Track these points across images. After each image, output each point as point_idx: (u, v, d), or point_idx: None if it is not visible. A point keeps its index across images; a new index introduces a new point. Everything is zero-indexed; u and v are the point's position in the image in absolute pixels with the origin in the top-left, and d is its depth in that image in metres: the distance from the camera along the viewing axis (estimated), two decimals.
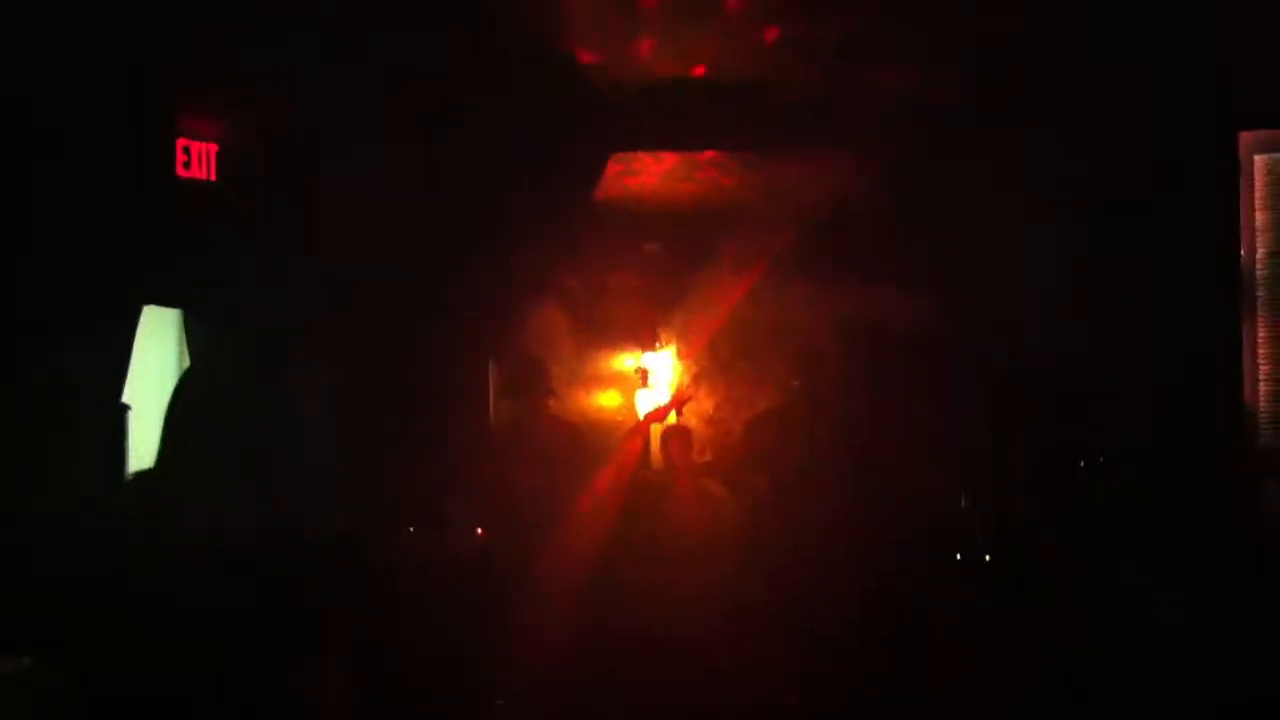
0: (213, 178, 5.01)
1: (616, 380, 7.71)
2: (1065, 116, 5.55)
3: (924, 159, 5.97)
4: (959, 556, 5.54)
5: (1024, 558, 5.44)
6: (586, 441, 5.90)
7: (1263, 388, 5.88)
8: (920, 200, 6.27)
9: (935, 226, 6.24)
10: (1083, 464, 5.69)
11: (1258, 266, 5.93)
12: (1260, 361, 5.90)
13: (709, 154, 6.35)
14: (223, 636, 2.66)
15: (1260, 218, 5.94)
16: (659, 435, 6.66)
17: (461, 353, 6.29)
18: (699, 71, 5.81)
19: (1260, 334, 5.91)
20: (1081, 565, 5.23)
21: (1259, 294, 5.92)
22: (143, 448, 4.60)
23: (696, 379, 7.68)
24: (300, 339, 5.32)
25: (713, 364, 7.89)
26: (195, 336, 5.27)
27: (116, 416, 4.57)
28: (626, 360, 7.71)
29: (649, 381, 7.59)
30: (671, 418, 7.03)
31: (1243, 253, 5.92)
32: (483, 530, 5.56)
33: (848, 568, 5.24)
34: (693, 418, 7.54)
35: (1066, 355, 5.88)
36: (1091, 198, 5.77)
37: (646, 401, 7.45)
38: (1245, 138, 5.93)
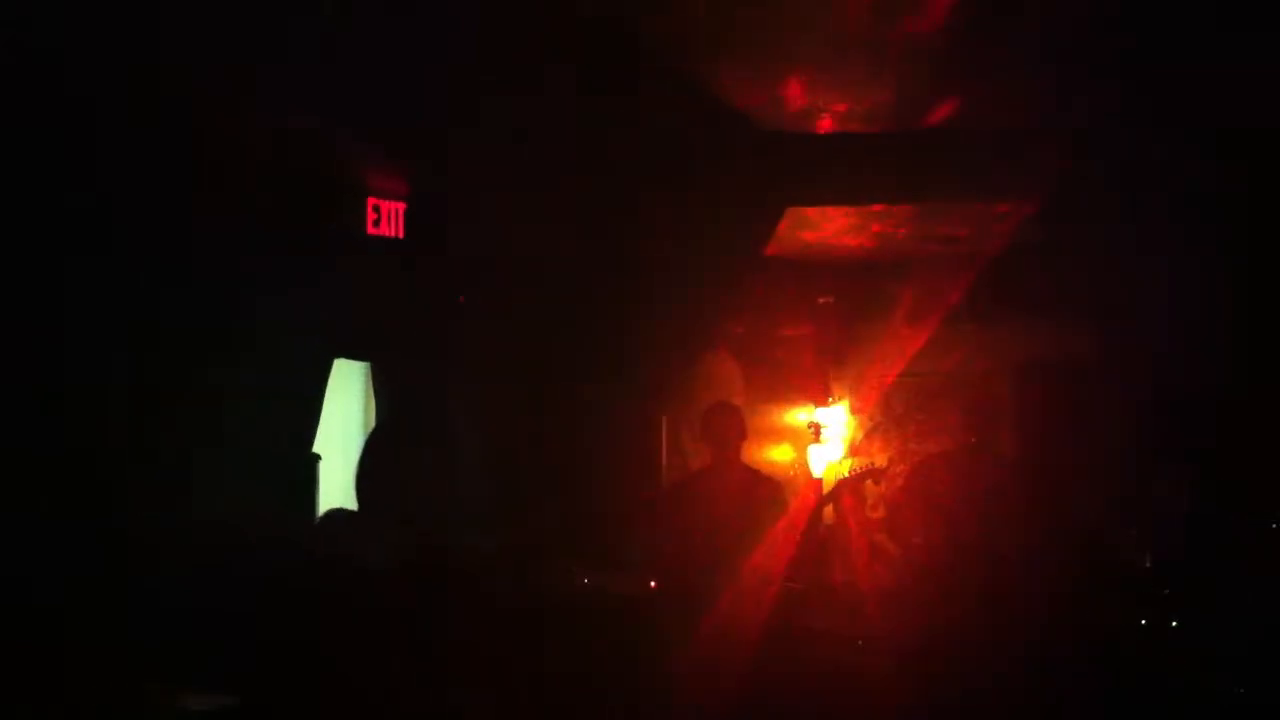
0: (400, 235, 5.18)
1: (789, 434, 7.68)
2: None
3: (1082, 192, 5.83)
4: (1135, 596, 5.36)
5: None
6: (777, 497, 5.82)
7: None
8: (1080, 235, 6.14)
9: (1093, 261, 6.11)
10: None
11: None
12: None
13: (883, 207, 6.31)
14: (384, 666, 2.74)
15: None
16: (831, 490, 6.61)
17: (636, 403, 6.35)
18: (872, 127, 5.79)
19: None
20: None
21: None
22: (331, 496, 4.77)
23: (870, 434, 7.60)
24: (481, 390, 5.45)
25: (886, 418, 7.80)
26: (381, 388, 5.47)
27: (309, 465, 4.77)
28: (799, 414, 7.68)
29: (821, 436, 7.54)
30: (845, 466, 6.95)
31: None
32: (655, 581, 5.57)
33: (1025, 618, 5.09)
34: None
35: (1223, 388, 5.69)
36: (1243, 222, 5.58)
37: (819, 456, 7.39)
38: None
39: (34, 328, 3.95)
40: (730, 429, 5.71)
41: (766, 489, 5.80)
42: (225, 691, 3.32)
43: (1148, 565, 5.35)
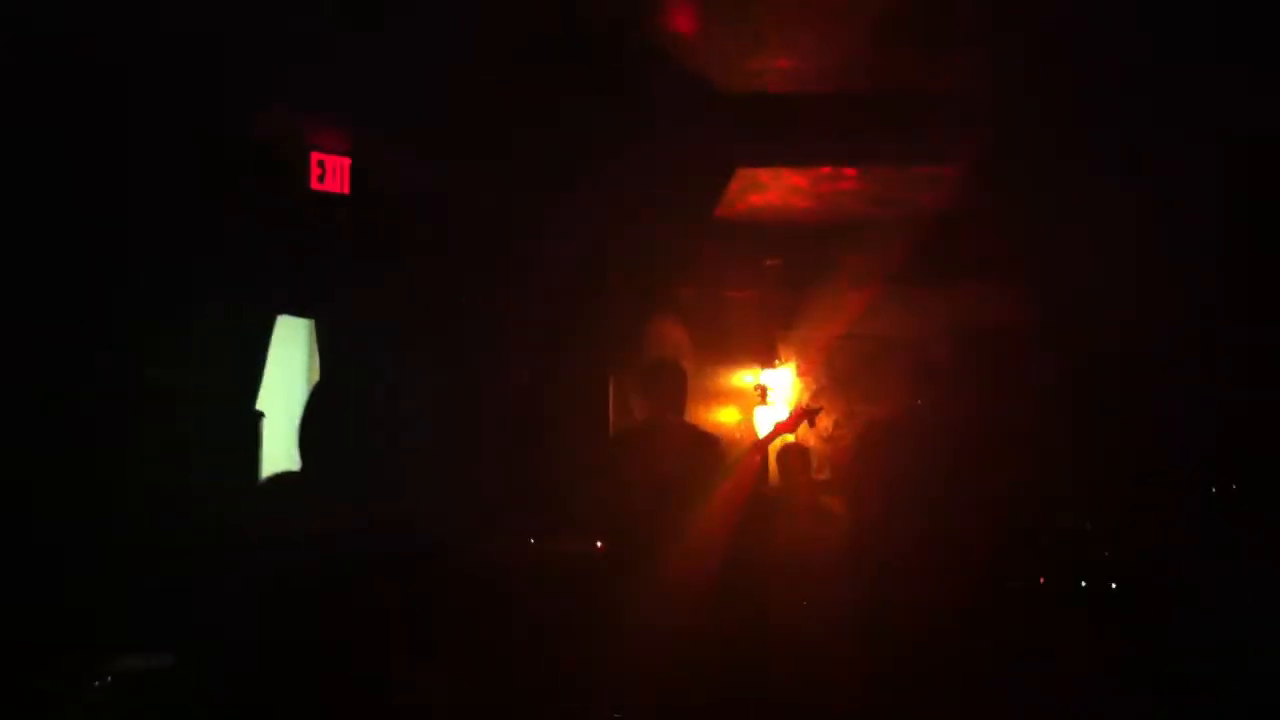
0: (346, 191, 5.10)
1: (736, 396, 7.70)
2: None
3: (1037, 161, 5.85)
4: (1076, 578, 5.43)
5: (1133, 578, 5.31)
6: (717, 455, 5.82)
7: None
8: (1038, 205, 6.18)
9: (1054, 232, 6.15)
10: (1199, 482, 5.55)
11: None
12: None
13: (833, 169, 6.31)
14: (341, 635, 2.71)
15: None
16: (776, 452, 6.64)
17: (583, 364, 6.34)
18: (820, 85, 5.76)
19: None
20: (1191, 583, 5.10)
21: None
22: (274, 453, 4.73)
23: (816, 395, 7.62)
24: (427, 346, 5.41)
25: (831, 380, 7.84)
26: (326, 344, 5.41)
27: (251, 422, 4.71)
28: (745, 376, 7.70)
29: (768, 398, 7.57)
30: (803, 429, 6.98)
31: None
32: (601, 544, 5.57)
33: (961, 584, 5.15)
34: (810, 435, 7.50)
35: (1192, 374, 5.76)
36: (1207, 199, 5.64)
37: (765, 418, 7.43)
38: None
39: None
40: (671, 387, 5.69)
41: (707, 447, 5.80)
42: (159, 653, 3.28)
43: (1088, 527, 5.44)
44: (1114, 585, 5.41)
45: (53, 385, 4.06)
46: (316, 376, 5.62)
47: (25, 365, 3.98)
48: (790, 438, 6.62)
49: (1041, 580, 5.34)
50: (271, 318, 4.98)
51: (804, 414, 6.14)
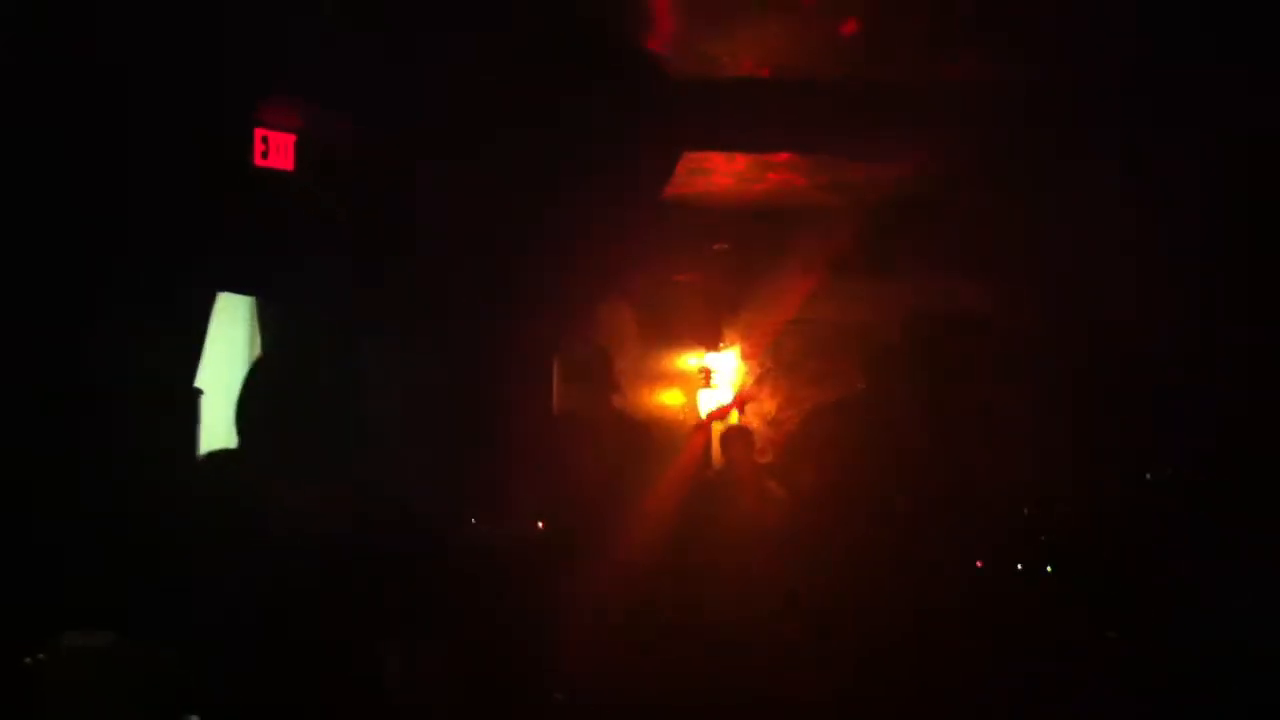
0: (290, 168, 5.05)
1: (680, 379, 7.72)
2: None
3: (992, 154, 5.89)
4: (1020, 563, 5.47)
5: (1092, 566, 5.36)
6: (649, 438, 5.86)
7: None
8: (987, 196, 6.22)
9: (1004, 222, 6.19)
10: (1166, 472, 5.60)
11: None
12: None
13: (783, 156, 6.33)
14: (289, 614, 2.70)
15: None
16: (720, 435, 6.67)
17: (526, 346, 6.32)
18: (771, 71, 5.77)
19: None
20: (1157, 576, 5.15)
21: None
22: (212, 431, 4.67)
23: (760, 379, 7.67)
24: (368, 327, 5.37)
25: (776, 364, 7.88)
26: (268, 324, 5.36)
27: (189, 400, 4.65)
28: (690, 359, 7.73)
29: (712, 381, 7.60)
30: (734, 417, 7.03)
31: None
32: (542, 523, 5.58)
33: (902, 568, 5.20)
34: (755, 418, 7.54)
35: (1149, 357, 5.81)
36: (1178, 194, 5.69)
37: (709, 401, 7.46)
38: None
39: None
40: (599, 373, 5.74)
41: (642, 430, 5.86)
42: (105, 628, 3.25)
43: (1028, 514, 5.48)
44: (1051, 569, 5.47)
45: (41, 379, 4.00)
46: (256, 355, 5.57)
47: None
48: (735, 419, 6.67)
49: (979, 565, 5.40)
50: (212, 295, 4.92)
51: (735, 403, 6.21)
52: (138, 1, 4.12)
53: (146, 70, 4.37)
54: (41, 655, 3.36)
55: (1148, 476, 5.65)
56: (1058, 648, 4.90)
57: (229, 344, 5.44)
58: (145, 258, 4.42)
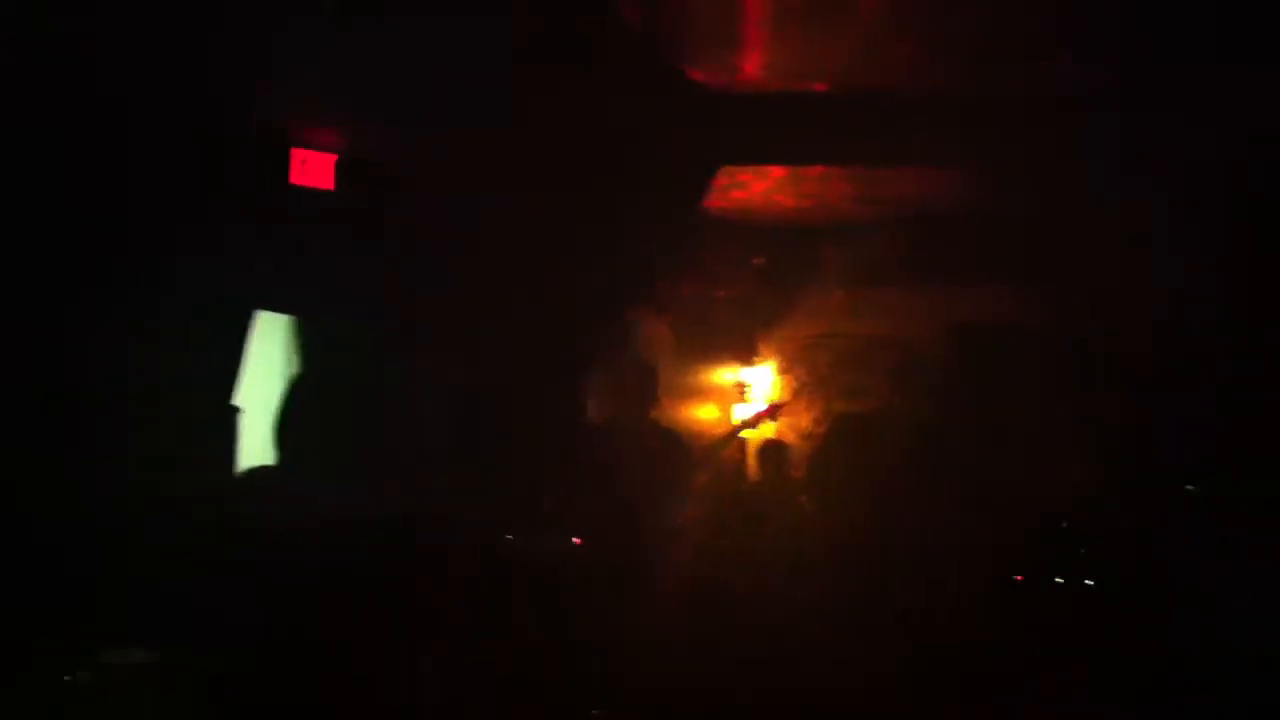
0: (330, 186, 5.09)
1: (716, 393, 7.72)
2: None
3: (1027, 167, 5.86)
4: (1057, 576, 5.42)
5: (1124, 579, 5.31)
6: (688, 453, 5.84)
7: None
8: (1027, 207, 6.19)
9: (1022, 228, 6.16)
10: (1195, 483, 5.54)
11: None
12: None
13: (818, 169, 6.32)
14: (322, 631, 2.71)
15: None
16: (756, 450, 6.66)
17: (564, 359, 6.33)
18: (808, 85, 5.77)
19: None
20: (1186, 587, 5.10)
21: None
22: (251, 449, 4.71)
23: (796, 393, 7.65)
24: (407, 343, 5.40)
25: (811, 378, 7.86)
26: (306, 340, 5.40)
27: (229, 418, 4.69)
28: (726, 373, 7.72)
29: (747, 395, 7.59)
30: (769, 429, 7.01)
31: None
32: (579, 539, 5.58)
33: (943, 581, 5.15)
34: (790, 433, 7.53)
35: (1187, 368, 5.77)
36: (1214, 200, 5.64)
37: (744, 414, 7.44)
38: None
39: None
40: (641, 386, 5.73)
41: (679, 444, 5.85)
42: (144, 647, 3.28)
43: (1065, 527, 5.43)
44: (1092, 583, 5.42)
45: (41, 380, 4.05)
46: (293, 371, 5.61)
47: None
48: (770, 434, 6.65)
49: (1019, 579, 5.35)
50: (252, 312, 4.97)
51: (768, 412, 6.19)
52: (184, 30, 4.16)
53: (179, 86, 4.42)
54: (82, 672, 3.41)
55: (1189, 489, 5.59)
56: (1097, 660, 4.86)
57: (267, 361, 5.49)
58: (182, 274, 4.47)
